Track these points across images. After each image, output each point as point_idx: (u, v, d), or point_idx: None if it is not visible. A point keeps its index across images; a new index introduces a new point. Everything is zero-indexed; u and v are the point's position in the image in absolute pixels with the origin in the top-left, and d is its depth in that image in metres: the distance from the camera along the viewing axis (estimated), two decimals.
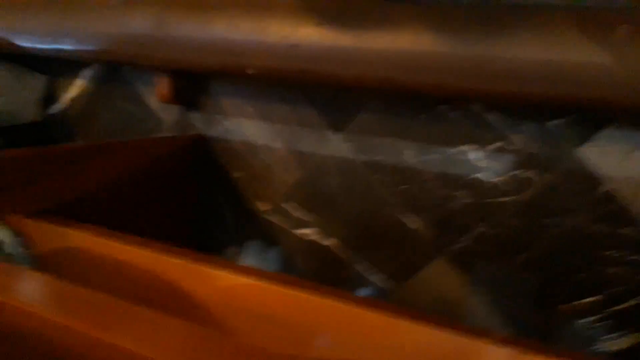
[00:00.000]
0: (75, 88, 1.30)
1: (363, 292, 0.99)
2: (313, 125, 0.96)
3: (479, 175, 0.84)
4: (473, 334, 0.53)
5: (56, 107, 1.34)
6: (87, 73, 1.26)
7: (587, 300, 0.81)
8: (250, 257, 1.11)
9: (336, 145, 0.95)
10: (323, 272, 1.03)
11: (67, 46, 1.08)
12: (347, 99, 0.92)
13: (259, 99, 1.01)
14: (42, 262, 0.78)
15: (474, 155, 0.83)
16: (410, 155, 0.88)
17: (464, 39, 0.69)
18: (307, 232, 1.03)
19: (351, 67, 0.77)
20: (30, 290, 0.56)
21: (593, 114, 0.73)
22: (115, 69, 1.21)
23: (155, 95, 1.12)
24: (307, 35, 0.80)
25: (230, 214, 1.10)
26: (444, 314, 0.92)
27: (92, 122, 1.28)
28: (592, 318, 0.82)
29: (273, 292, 0.61)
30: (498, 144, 0.81)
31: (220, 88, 1.07)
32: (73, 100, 1.31)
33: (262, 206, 1.07)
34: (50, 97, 1.35)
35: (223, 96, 1.06)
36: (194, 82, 1.09)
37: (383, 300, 0.95)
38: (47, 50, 1.12)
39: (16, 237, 0.86)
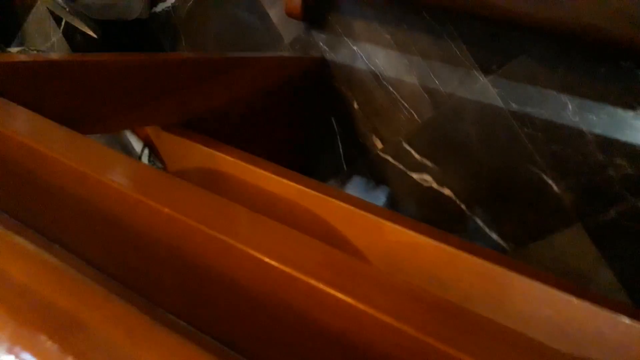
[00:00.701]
0: None
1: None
2: (459, 63, 0.88)
3: None
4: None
5: (163, 5, 1.28)
6: None
7: None
8: (355, 193, 1.07)
9: (483, 89, 0.87)
10: (436, 222, 0.98)
11: None
12: (507, 38, 0.83)
13: (399, 25, 0.93)
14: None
15: None
16: (572, 112, 0.79)
17: None
18: (425, 177, 0.97)
19: (547, 8, 0.67)
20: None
21: None
22: None
23: (281, 7, 1.05)
24: None
25: (343, 145, 1.05)
26: None
27: (200, 27, 1.22)
28: None
29: (455, 258, 0.56)
30: None
31: (355, 8, 0.98)
32: None
33: (378, 143, 1.01)
34: None
35: (357, 18, 0.98)
36: None
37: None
38: None
39: (149, 149, 0.83)
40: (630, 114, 0.76)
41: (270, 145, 0.98)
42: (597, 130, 0.78)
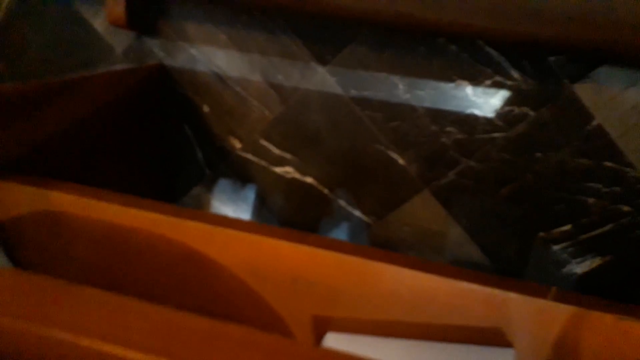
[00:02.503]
0: None
1: (345, 226, 0.99)
2: (297, 57, 0.90)
3: (473, 110, 0.84)
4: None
5: None
6: None
7: (564, 228, 0.87)
8: (222, 196, 1.06)
9: (322, 79, 0.90)
10: (304, 209, 1.02)
11: None
12: (335, 29, 0.86)
13: (233, 25, 0.92)
14: (10, 230, 0.68)
15: (471, 90, 0.83)
16: (403, 90, 0.86)
17: None
18: (287, 169, 0.99)
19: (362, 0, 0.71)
20: None
21: (591, 51, 0.75)
22: None
23: (103, 16, 0.98)
24: None
25: (201, 151, 1.03)
26: (422, 246, 0.96)
27: (20, 49, 1.10)
28: (565, 244, 0.89)
29: (314, 256, 0.58)
30: (497, 79, 0.81)
31: (183, 11, 0.95)
32: None
33: (236, 142, 1.01)
34: None
35: (188, 20, 0.95)
36: (151, 3, 0.96)
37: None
38: None
39: None
40: (451, 85, 0.84)
41: (122, 167, 0.93)
42: (427, 104, 0.86)
